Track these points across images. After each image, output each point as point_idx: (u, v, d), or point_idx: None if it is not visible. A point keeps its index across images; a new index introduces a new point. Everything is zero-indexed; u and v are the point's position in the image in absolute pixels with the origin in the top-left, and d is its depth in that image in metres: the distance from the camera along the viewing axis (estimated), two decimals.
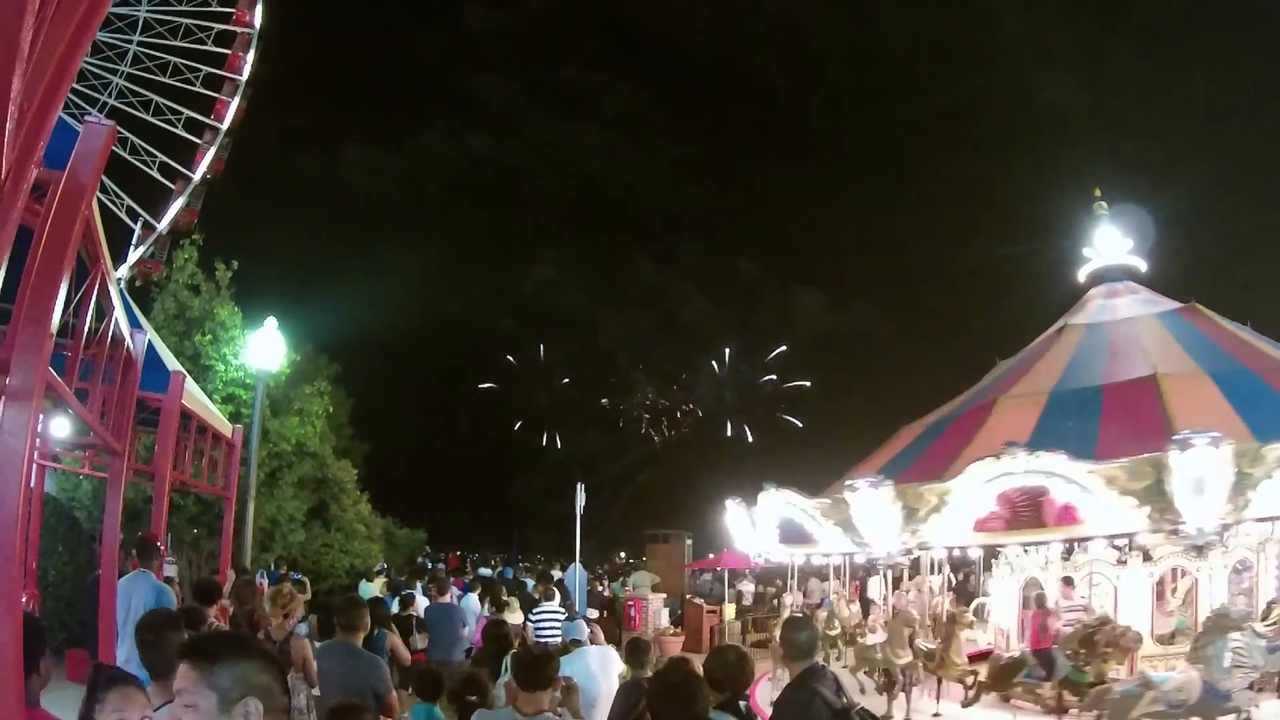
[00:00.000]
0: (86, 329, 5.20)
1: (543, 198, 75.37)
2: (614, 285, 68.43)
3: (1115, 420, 10.89)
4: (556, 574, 18.33)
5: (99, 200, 4.96)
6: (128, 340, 6.79)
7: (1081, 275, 16.36)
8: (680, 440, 60.78)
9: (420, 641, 9.57)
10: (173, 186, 28.99)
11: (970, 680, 10.85)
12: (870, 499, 10.79)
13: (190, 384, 10.43)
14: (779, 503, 12.94)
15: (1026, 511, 9.69)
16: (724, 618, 20.17)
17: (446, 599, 10.74)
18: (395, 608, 10.83)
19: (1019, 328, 18.69)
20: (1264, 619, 9.71)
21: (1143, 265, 15.96)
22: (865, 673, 11.92)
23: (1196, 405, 10.51)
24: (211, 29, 29.05)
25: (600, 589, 22.10)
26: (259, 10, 28.90)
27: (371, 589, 14.96)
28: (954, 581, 15.24)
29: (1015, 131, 58.17)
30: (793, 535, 13.09)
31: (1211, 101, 54.40)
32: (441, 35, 76.13)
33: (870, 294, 60.56)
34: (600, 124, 74.76)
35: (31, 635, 3.16)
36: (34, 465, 8.75)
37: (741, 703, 3.72)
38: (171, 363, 10.10)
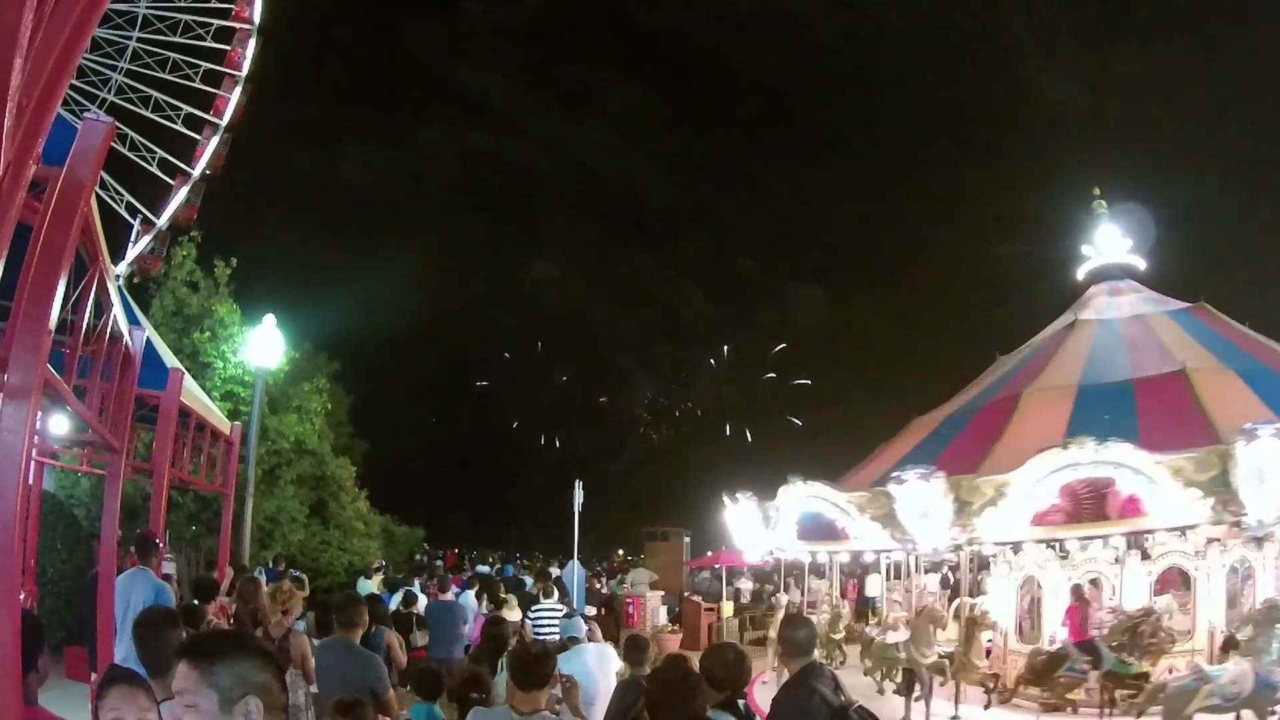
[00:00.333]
0: (85, 326, 5.18)
1: (542, 195, 75.42)
2: (613, 283, 68.55)
3: (1151, 414, 10.72)
4: (555, 571, 18.34)
5: (98, 196, 4.95)
6: (126, 337, 6.78)
7: (1080, 273, 16.39)
8: (679, 438, 60.85)
9: (420, 639, 9.58)
10: (172, 182, 28.95)
11: (992, 683, 10.59)
12: (920, 492, 10.09)
13: (189, 381, 10.42)
14: (804, 496, 12.18)
15: (1090, 504, 9.39)
16: (722, 615, 20.21)
17: (448, 597, 10.75)
18: (396, 605, 10.86)
19: (1018, 325, 18.71)
20: None
21: (1142, 264, 15.99)
22: (882, 674, 11.40)
23: (1227, 399, 10.46)
24: (211, 24, 28.99)
25: (599, 587, 22.13)
26: (258, 6, 28.84)
27: (370, 586, 14.96)
28: (951, 580, 15.21)
29: (1016, 131, 58.33)
30: (817, 531, 12.38)
31: (1211, 102, 54.40)
32: (442, 32, 76.25)
33: (870, 292, 60.71)
34: (601, 121, 74.86)
35: (30, 633, 3.16)
36: (32, 462, 8.74)
37: (740, 701, 3.72)
38: (170, 360, 10.09)
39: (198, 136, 29.12)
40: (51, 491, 13.11)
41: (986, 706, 10.63)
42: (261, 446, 16.62)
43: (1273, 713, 7.83)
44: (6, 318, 3.49)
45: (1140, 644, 9.62)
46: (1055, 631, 11.37)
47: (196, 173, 28.66)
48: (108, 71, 28.73)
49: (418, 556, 30.95)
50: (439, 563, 29.24)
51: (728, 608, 21.11)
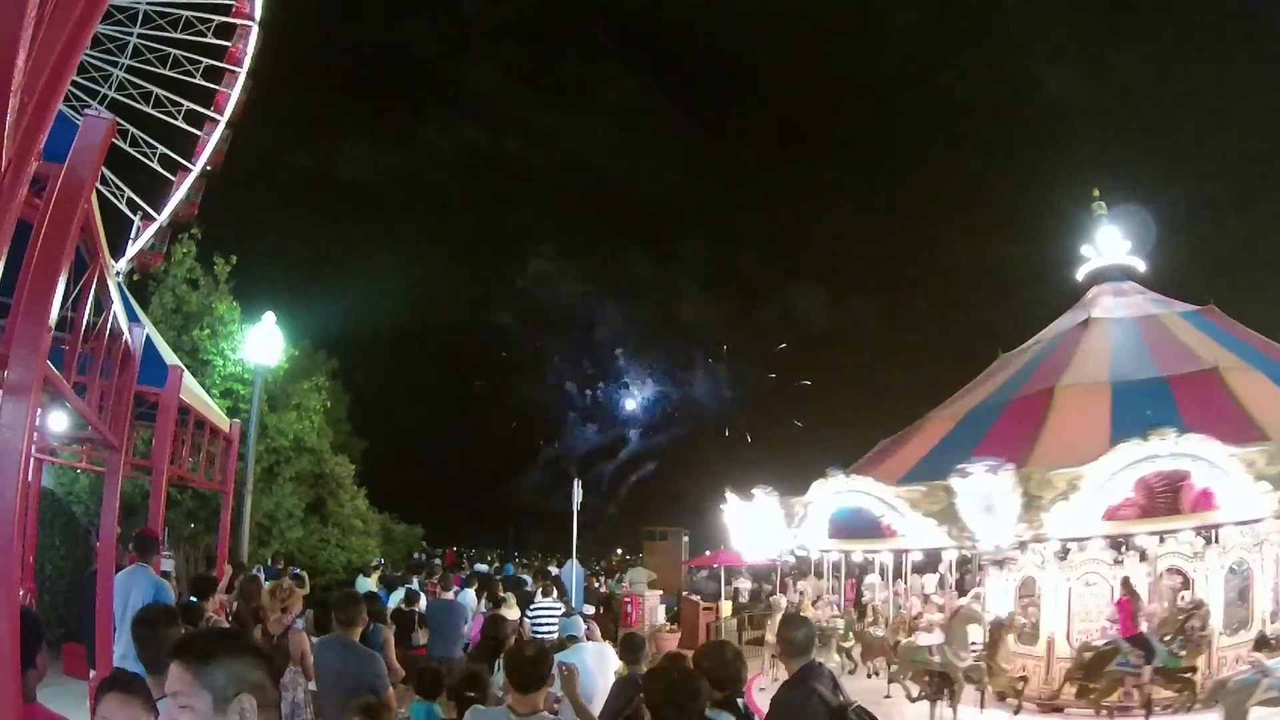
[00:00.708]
0: (85, 323, 5.18)
1: (541, 192, 75.43)
2: (613, 280, 68.57)
3: (1193, 411, 10.60)
4: (553, 570, 18.36)
5: (98, 192, 4.94)
6: (126, 334, 6.77)
7: (1080, 274, 16.40)
8: (678, 437, 60.85)
9: (422, 637, 9.58)
10: (173, 179, 28.92)
11: (1020, 687, 10.27)
12: (985, 485, 9.69)
13: (188, 378, 10.42)
14: (844, 491, 11.67)
15: (1164, 497, 9.30)
16: (720, 615, 20.22)
17: (448, 595, 10.74)
18: (398, 603, 10.84)
19: (1018, 325, 18.74)
20: None
21: (1142, 265, 16.01)
22: (911, 677, 10.74)
23: (1260, 396, 10.52)
24: (212, 21, 28.97)
25: (597, 585, 22.13)
26: (259, 1, 28.82)
27: (368, 584, 14.97)
28: (952, 580, 15.16)
29: (1016, 131, 58.33)
30: (855, 528, 11.89)
31: (1212, 102, 54.40)
32: (441, 28, 76.12)
33: (870, 291, 60.72)
34: (600, 118, 74.90)
35: (28, 630, 3.16)
36: (31, 459, 8.74)
37: (739, 700, 3.72)
38: (170, 357, 10.09)
39: (198, 132, 29.10)
40: (50, 488, 13.10)
41: (1016, 711, 10.30)
42: (260, 444, 16.62)
43: None
44: (7, 314, 3.49)
45: (1191, 638, 9.48)
46: (1104, 626, 10.82)
47: (197, 168, 28.62)
48: (108, 67, 28.70)
49: (416, 555, 30.95)
50: (437, 561, 29.22)
51: (726, 607, 21.11)
